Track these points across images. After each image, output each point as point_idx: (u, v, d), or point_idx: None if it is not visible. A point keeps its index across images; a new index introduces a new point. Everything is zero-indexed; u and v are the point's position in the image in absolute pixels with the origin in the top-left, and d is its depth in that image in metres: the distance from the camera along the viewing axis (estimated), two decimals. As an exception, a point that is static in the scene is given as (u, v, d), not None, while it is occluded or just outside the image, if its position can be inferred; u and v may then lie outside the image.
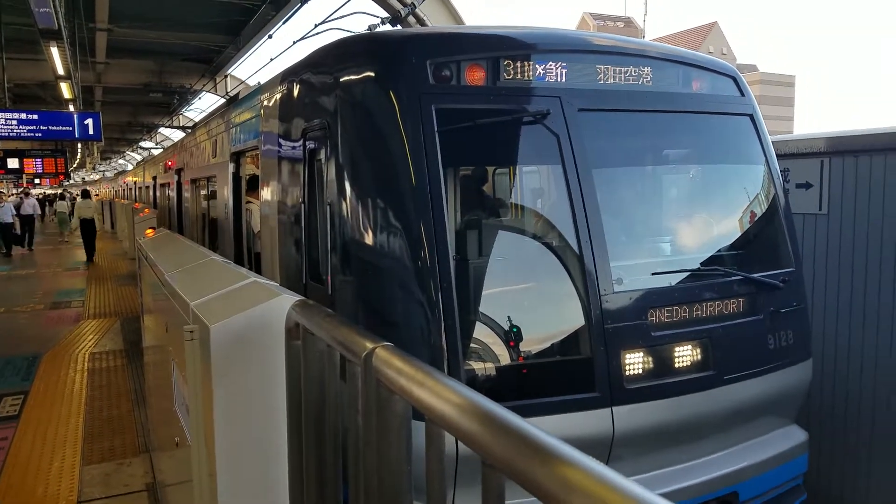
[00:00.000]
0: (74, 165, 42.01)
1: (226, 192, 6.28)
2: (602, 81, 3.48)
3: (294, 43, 10.90)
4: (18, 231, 21.56)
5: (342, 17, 9.48)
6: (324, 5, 10.94)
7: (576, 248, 3.19)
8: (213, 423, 2.08)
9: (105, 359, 7.98)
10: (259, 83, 6.12)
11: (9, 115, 13.28)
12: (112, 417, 5.93)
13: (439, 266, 2.94)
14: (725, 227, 4.02)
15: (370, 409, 1.60)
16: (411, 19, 10.55)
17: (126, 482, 4.64)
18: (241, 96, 7.36)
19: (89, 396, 6.52)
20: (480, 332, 3.08)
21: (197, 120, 24.13)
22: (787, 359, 3.69)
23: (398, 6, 10.46)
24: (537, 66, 3.32)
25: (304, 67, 4.07)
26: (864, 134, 4.75)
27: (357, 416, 1.70)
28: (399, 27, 10.13)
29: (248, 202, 6.03)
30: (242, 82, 19.20)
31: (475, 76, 3.21)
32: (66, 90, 13.71)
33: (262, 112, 4.90)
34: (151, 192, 16.69)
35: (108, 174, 61.67)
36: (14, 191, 39.67)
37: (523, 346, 3.10)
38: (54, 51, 10.48)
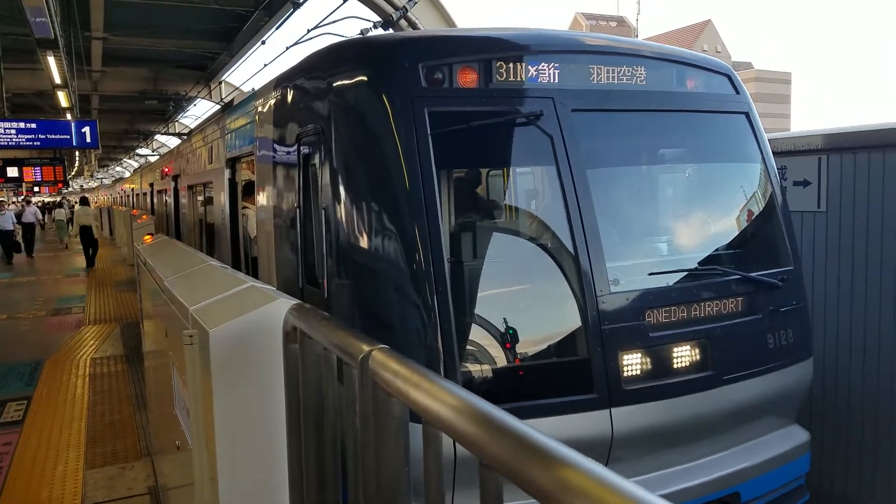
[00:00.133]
0: (73, 173, 42.04)
1: (222, 198, 6.30)
2: (595, 81, 3.48)
3: (287, 48, 10.91)
4: (20, 239, 21.57)
5: (334, 21, 9.49)
6: (316, 10, 10.96)
7: (571, 249, 3.18)
8: (214, 427, 2.09)
9: (106, 364, 8.00)
10: (253, 89, 6.14)
11: (8, 125, 13.32)
12: (114, 422, 5.96)
13: (434, 268, 2.94)
14: (722, 227, 4.01)
15: (367, 411, 1.60)
16: (403, 23, 10.57)
17: (129, 486, 4.67)
18: (235, 102, 7.38)
19: (91, 401, 6.55)
20: (476, 334, 3.07)
21: (192, 126, 24.16)
22: (787, 358, 3.67)
23: (390, 10, 10.49)
24: (530, 67, 3.33)
25: (297, 73, 4.08)
26: (862, 130, 4.71)
27: (355, 418, 1.71)
28: (391, 31, 10.14)
29: (245, 207, 6.04)
30: (237, 88, 19.22)
31: (467, 78, 3.21)
32: (63, 99, 13.75)
33: (256, 118, 4.92)
34: (149, 199, 16.71)
35: (105, 181, 61.66)
36: (14, 199, 39.73)
37: (520, 348, 3.10)
38: (51, 60, 10.52)
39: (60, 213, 27.57)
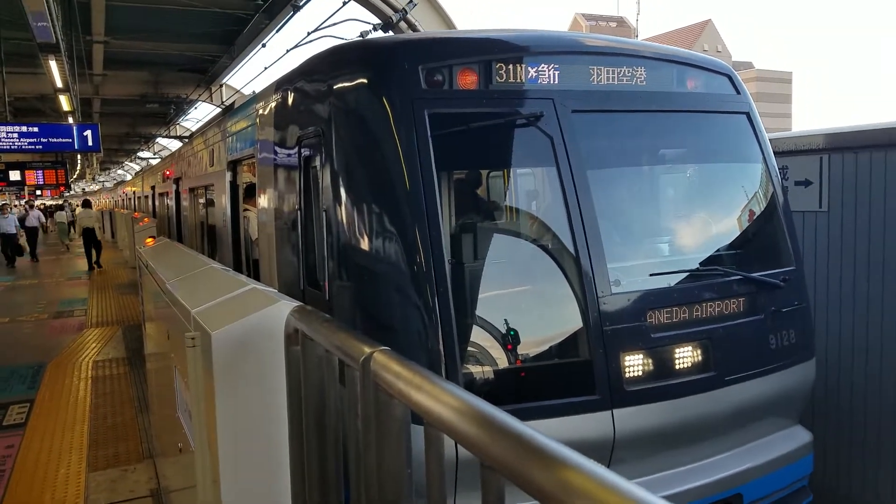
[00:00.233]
0: (74, 176, 42.12)
1: (223, 201, 6.31)
2: (595, 82, 3.48)
3: (287, 51, 10.93)
4: (26, 243, 21.63)
5: (334, 24, 9.51)
6: (316, 13, 11.00)
7: (572, 249, 3.18)
8: (216, 429, 2.09)
9: (108, 367, 8.01)
10: (254, 92, 6.16)
11: (10, 129, 13.37)
12: (116, 424, 5.98)
13: (435, 270, 2.94)
14: (724, 227, 4.00)
15: (369, 413, 1.60)
16: (403, 25, 10.59)
17: (131, 488, 4.69)
18: (236, 105, 7.40)
19: (94, 404, 6.57)
20: (477, 335, 3.07)
21: (193, 129, 24.20)
22: (790, 359, 3.65)
23: (390, 12, 10.50)
24: (529, 68, 3.33)
25: (297, 76, 4.09)
26: (864, 130, 4.67)
27: (356, 420, 1.71)
28: (391, 33, 10.16)
29: (246, 210, 6.05)
30: (237, 91, 19.25)
31: (467, 80, 3.21)
32: (65, 103, 13.79)
33: (257, 121, 4.92)
34: (150, 202, 16.73)
35: (107, 184, 61.80)
36: (17, 202, 39.83)
37: (521, 350, 3.09)
38: (53, 64, 10.56)
39: (62, 216, 27.66)
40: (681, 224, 4.02)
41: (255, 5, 12.08)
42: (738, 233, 3.96)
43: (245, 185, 6.06)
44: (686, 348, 3.30)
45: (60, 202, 42.59)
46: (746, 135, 3.99)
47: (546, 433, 1.08)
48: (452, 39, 3.67)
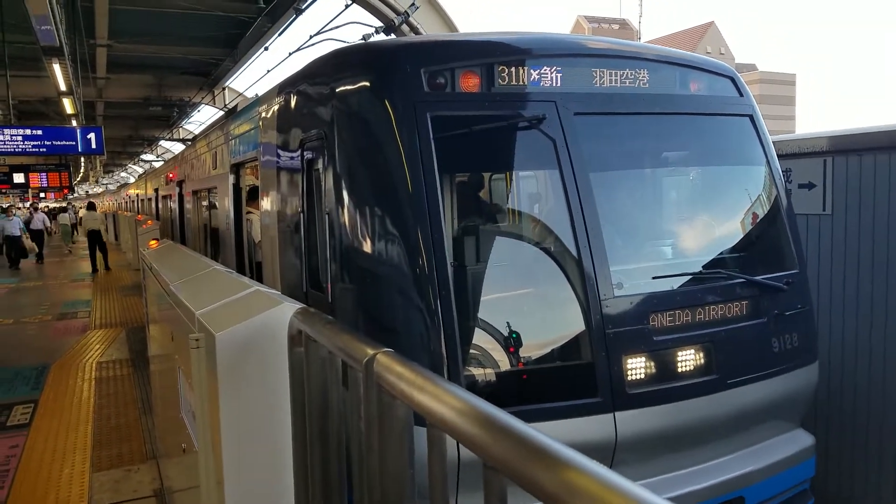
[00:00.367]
0: (78, 179, 42.27)
1: (227, 203, 6.32)
2: (598, 85, 3.48)
3: (290, 54, 10.97)
4: (34, 244, 21.68)
5: (337, 27, 9.55)
6: (318, 16, 10.99)
7: (574, 252, 3.18)
8: (220, 430, 2.10)
9: (112, 368, 8.04)
10: (257, 95, 6.18)
11: (14, 132, 13.41)
12: (120, 425, 6.00)
13: (437, 273, 2.95)
14: (727, 230, 4.00)
15: (372, 414, 1.61)
16: (405, 28, 10.62)
17: (135, 488, 4.71)
18: (239, 108, 7.42)
19: (97, 405, 6.59)
20: (480, 338, 3.07)
21: (196, 132, 24.27)
22: (793, 362, 3.64)
23: (392, 15, 10.54)
24: (532, 71, 3.33)
25: (300, 79, 4.10)
26: (868, 132, 4.66)
27: (359, 421, 1.72)
28: (393, 36, 10.18)
29: (249, 212, 6.07)
30: (240, 94, 19.32)
31: (470, 83, 3.22)
32: (68, 106, 13.85)
33: (260, 124, 4.94)
34: (154, 204, 16.77)
35: (110, 187, 61.95)
36: (21, 205, 39.97)
37: (523, 352, 3.09)
38: (56, 67, 10.61)
39: (65, 218, 27.76)
40: (683, 227, 4.02)
41: (257, 8, 12.13)
42: (741, 236, 3.96)
43: (248, 188, 6.07)
44: (688, 351, 3.30)
45: (63, 204, 42.72)
46: (749, 137, 3.99)
47: (548, 435, 1.08)
48: (455, 42, 3.68)
